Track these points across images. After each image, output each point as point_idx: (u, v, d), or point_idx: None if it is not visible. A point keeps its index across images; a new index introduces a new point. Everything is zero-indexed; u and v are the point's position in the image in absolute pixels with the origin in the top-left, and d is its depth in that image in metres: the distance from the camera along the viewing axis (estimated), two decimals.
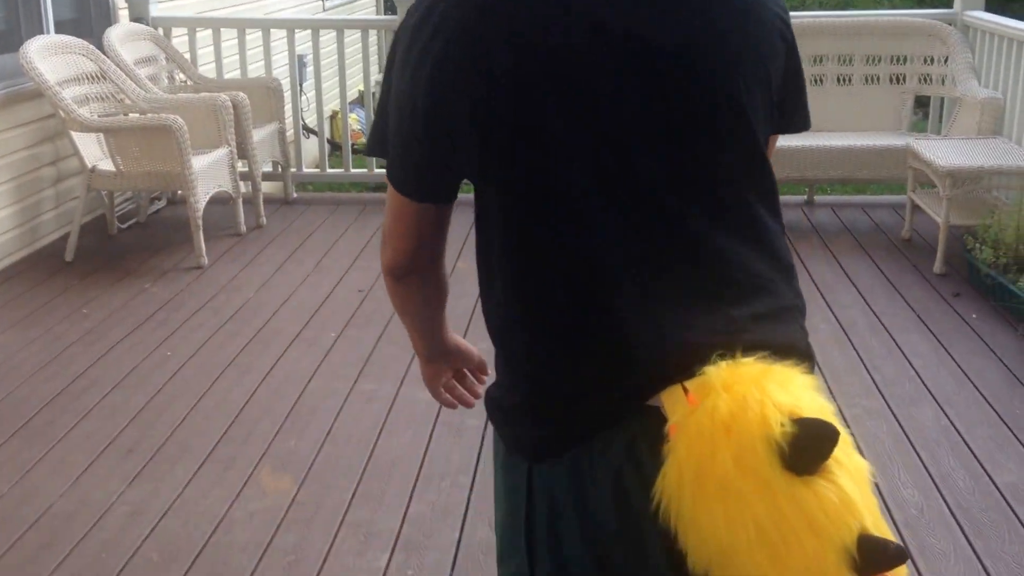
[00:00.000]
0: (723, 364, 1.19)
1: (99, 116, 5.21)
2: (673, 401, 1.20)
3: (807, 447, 1.13)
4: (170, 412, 3.59)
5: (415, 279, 1.55)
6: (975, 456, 3.19)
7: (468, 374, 1.79)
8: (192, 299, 4.67)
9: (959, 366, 3.82)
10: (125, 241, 5.55)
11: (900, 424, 3.40)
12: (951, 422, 3.41)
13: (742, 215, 1.33)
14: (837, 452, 1.15)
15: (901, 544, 1.16)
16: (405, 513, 2.95)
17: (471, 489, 3.07)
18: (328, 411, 3.58)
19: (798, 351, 1.30)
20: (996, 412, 3.47)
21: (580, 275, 1.27)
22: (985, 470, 3.11)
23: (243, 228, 5.62)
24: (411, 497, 3.03)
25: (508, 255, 1.33)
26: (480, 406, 1.54)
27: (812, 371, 1.32)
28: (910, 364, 3.86)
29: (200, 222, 5.07)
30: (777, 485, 1.13)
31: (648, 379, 1.22)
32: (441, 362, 1.74)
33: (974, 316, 4.30)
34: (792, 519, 1.12)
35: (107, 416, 3.57)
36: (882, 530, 1.16)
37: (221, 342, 4.19)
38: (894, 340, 4.08)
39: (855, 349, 3.99)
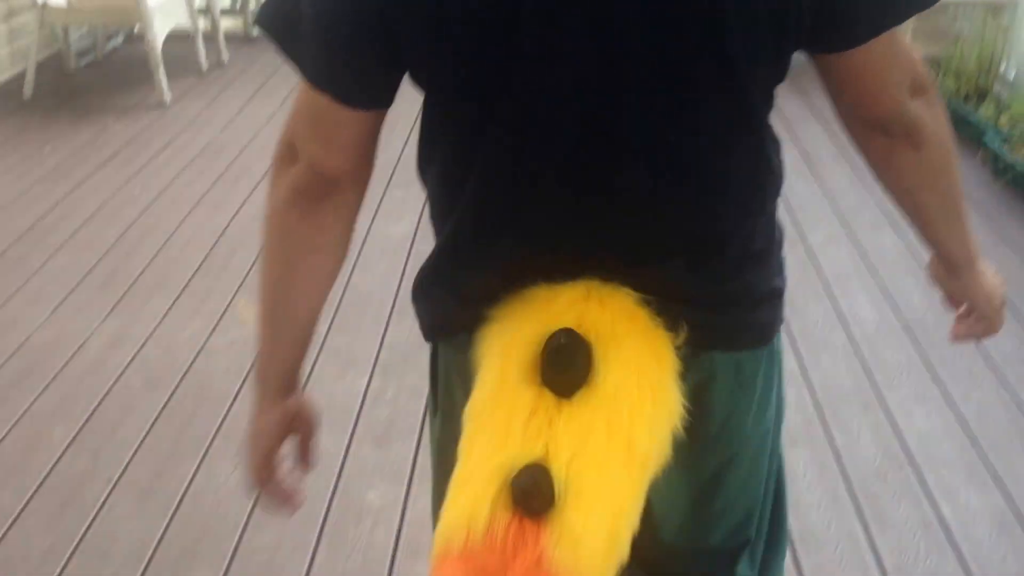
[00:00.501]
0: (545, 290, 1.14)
1: None
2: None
3: (553, 357, 1.10)
4: (143, 247, 3.61)
5: (331, 207, 1.22)
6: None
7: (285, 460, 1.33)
8: (156, 137, 4.63)
9: None
10: (83, 79, 5.45)
11: (861, 249, 3.50)
12: (908, 246, 3.51)
13: (703, 177, 1.14)
14: (610, 372, 1.10)
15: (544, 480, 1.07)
16: (382, 340, 3.03)
17: None
18: None
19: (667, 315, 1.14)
20: None
21: (492, 205, 1.14)
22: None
23: (204, 65, 5.53)
24: (387, 325, 3.10)
25: (431, 157, 1.19)
26: None
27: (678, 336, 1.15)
28: (872, 192, 3.94)
29: (160, 58, 4.98)
30: (516, 394, 1.11)
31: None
32: (287, 404, 1.32)
33: None
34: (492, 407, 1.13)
35: (80, 250, 3.59)
36: (605, 448, 1.09)
37: (189, 179, 4.18)
38: (857, 171, 4.14)
39: (819, 179, 4.06)
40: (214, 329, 3.10)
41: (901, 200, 1.31)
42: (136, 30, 5.86)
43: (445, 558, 1.07)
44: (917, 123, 1.17)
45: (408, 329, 3.00)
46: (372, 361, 2.92)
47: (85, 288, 3.34)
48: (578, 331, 1.10)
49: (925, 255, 3.40)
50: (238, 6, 6.22)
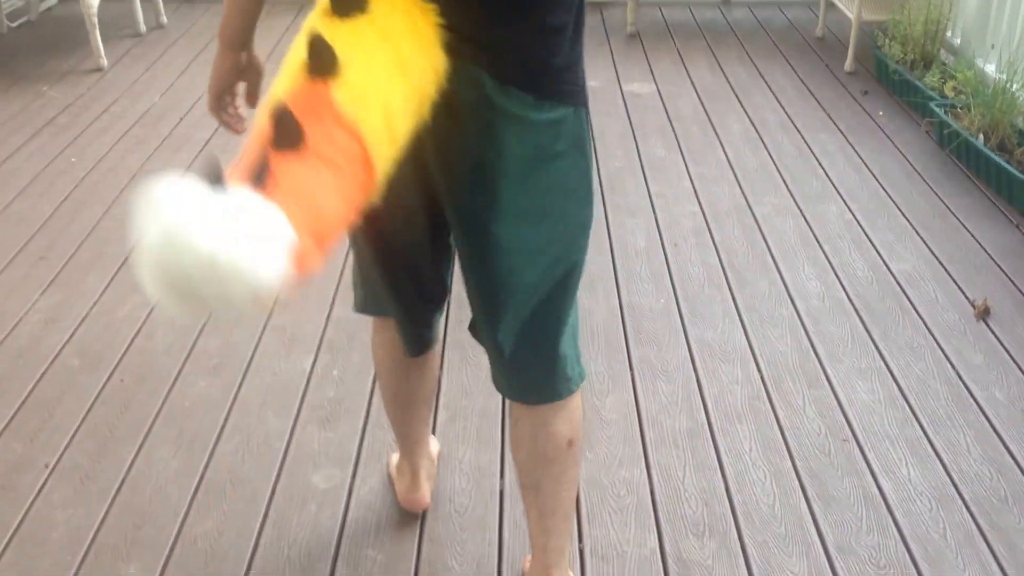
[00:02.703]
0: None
1: None
2: None
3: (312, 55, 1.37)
4: (80, 219, 3.53)
5: None
6: (875, 247, 3.32)
7: (238, 96, 1.68)
8: (94, 103, 4.52)
9: (864, 163, 3.92)
10: (16, 41, 5.30)
11: (806, 220, 3.50)
12: (854, 216, 3.52)
13: None
14: (377, 6, 1.39)
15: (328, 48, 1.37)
16: (328, 317, 2.99)
17: None
18: None
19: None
20: (896, 205, 3.59)
21: None
22: (883, 260, 3.24)
23: (142, 27, 5.39)
24: (332, 303, 3.06)
25: None
26: None
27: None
28: (818, 162, 3.94)
29: (95, 20, 4.84)
30: (319, 17, 1.41)
31: None
32: (239, 56, 1.63)
33: (881, 113, 4.38)
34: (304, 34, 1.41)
35: (14, 224, 3.50)
36: (375, 41, 1.38)
37: (128, 148, 4.08)
38: (804, 139, 4.15)
39: (766, 149, 4.06)
40: (154, 306, 3.03)
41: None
42: None
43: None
44: None
45: (352, 306, 2.98)
46: (318, 340, 2.89)
47: (20, 264, 3.26)
48: None
49: (868, 227, 3.44)
50: None
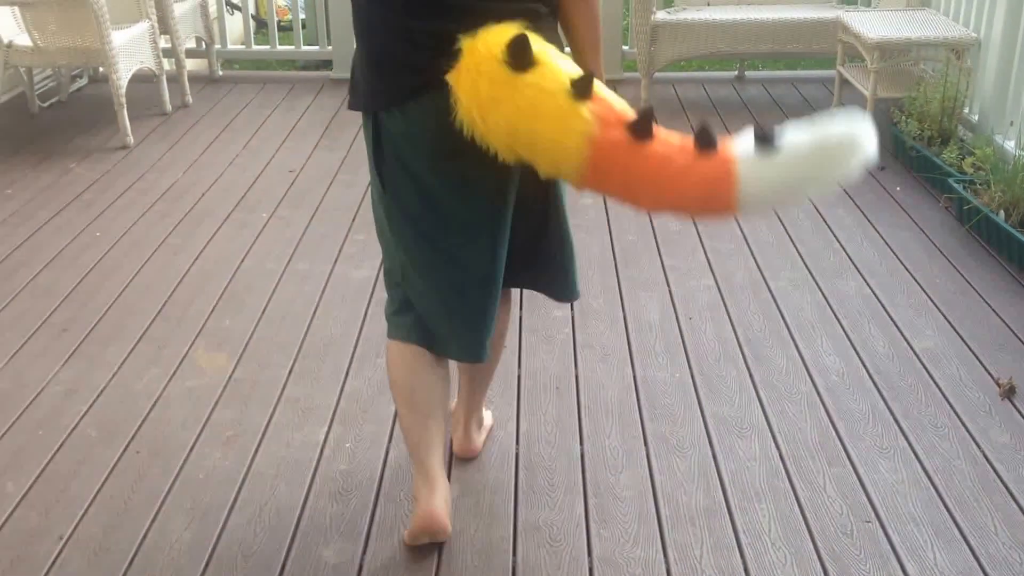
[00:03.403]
0: (467, 39, 1.91)
1: None
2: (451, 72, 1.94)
3: (514, 52, 1.87)
4: (102, 292, 3.56)
5: None
6: (895, 324, 3.30)
7: None
8: (119, 179, 4.59)
9: (882, 238, 3.92)
10: (47, 120, 5.41)
11: (824, 294, 3.49)
12: (873, 292, 3.51)
13: None
14: (538, 54, 1.89)
15: (587, 73, 1.93)
16: (342, 389, 2.99)
17: None
18: (262, 291, 3.57)
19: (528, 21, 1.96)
20: (916, 282, 3.57)
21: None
22: (904, 337, 3.22)
23: (168, 107, 5.50)
24: (347, 373, 3.06)
25: None
26: None
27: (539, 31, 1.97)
28: (835, 237, 3.94)
29: (124, 100, 4.94)
30: (514, 80, 1.88)
31: (441, 64, 1.94)
32: None
33: (898, 189, 4.39)
34: (530, 92, 1.88)
35: (38, 296, 3.53)
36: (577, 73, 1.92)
37: (151, 223, 4.14)
38: (820, 214, 4.15)
39: (782, 224, 4.06)
40: (172, 377, 3.05)
41: (571, 35, 2.17)
42: (101, 71, 5.83)
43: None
44: None
45: (368, 378, 3.00)
46: (331, 412, 2.88)
47: (43, 335, 3.29)
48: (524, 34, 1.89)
49: (888, 303, 3.42)
50: (203, 47, 6.19)
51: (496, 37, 1.89)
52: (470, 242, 2.18)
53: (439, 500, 2.30)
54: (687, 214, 2.25)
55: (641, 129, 1.87)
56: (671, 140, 1.90)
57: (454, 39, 1.92)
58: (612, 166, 1.90)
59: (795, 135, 1.82)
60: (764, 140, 1.82)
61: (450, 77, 1.92)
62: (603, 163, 1.90)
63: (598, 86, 1.93)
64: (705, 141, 1.86)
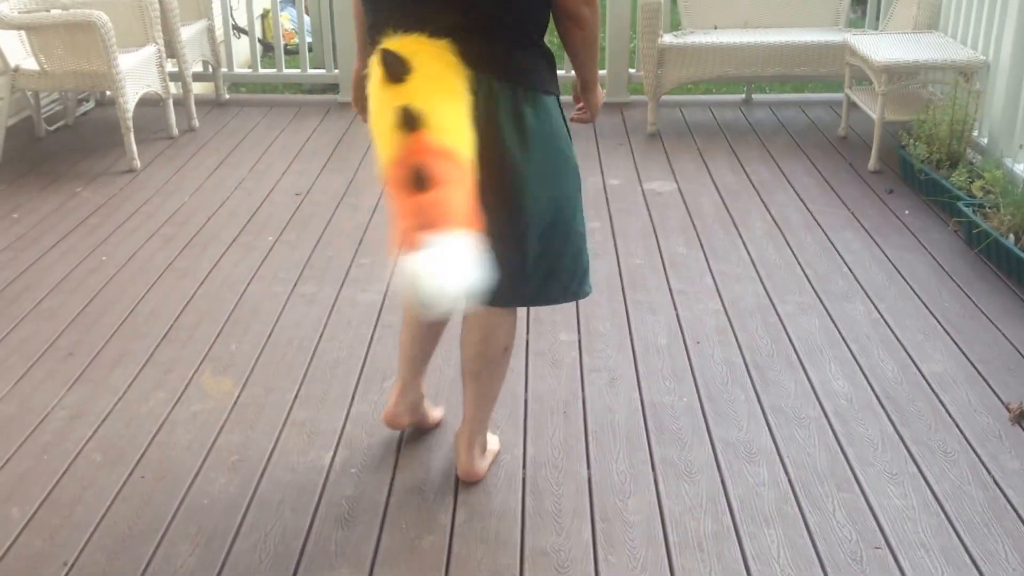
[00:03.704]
0: (389, 37, 2.16)
1: (20, 12, 5.03)
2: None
3: (387, 66, 2.10)
4: (108, 316, 3.55)
5: None
6: (904, 348, 3.28)
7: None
8: (126, 203, 4.60)
9: (891, 261, 3.91)
10: (54, 144, 5.42)
11: (832, 319, 3.47)
12: (881, 316, 3.49)
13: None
14: (418, 68, 2.10)
15: (413, 110, 2.03)
16: (348, 413, 2.97)
17: None
18: (268, 314, 3.57)
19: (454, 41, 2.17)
20: (925, 305, 3.56)
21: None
22: (913, 361, 3.20)
23: (175, 130, 5.51)
24: (353, 397, 3.05)
25: None
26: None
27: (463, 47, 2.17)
28: (843, 260, 3.93)
29: (130, 124, 4.95)
30: (378, 91, 2.12)
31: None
32: (361, 66, 2.44)
33: (907, 212, 4.38)
34: (381, 104, 2.11)
35: (44, 320, 3.53)
36: (429, 104, 2.06)
37: (157, 246, 4.14)
38: (828, 237, 4.14)
39: (790, 247, 4.05)
40: (177, 401, 3.04)
41: (568, 55, 2.39)
42: (108, 94, 5.85)
43: (389, 170, 2.05)
44: (584, 16, 2.27)
45: (374, 402, 2.99)
46: (337, 436, 2.87)
47: (48, 359, 3.28)
48: (397, 51, 2.10)
49: (897, 327, 3.40)
50: (209, 70, 6.21)
51: (390, 45, 2.15)
52: None
53: (395, 397, 2.79)
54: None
55: (415, 180, 1.99)
56: (431, 199, 1.99)
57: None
58: (392, 193, 2.07)
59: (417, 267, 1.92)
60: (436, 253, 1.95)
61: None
62: (388, 186, 2.08)
63: (444, 120, 2.07)
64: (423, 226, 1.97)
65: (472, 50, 2.16)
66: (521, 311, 3.19)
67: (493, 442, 2.78)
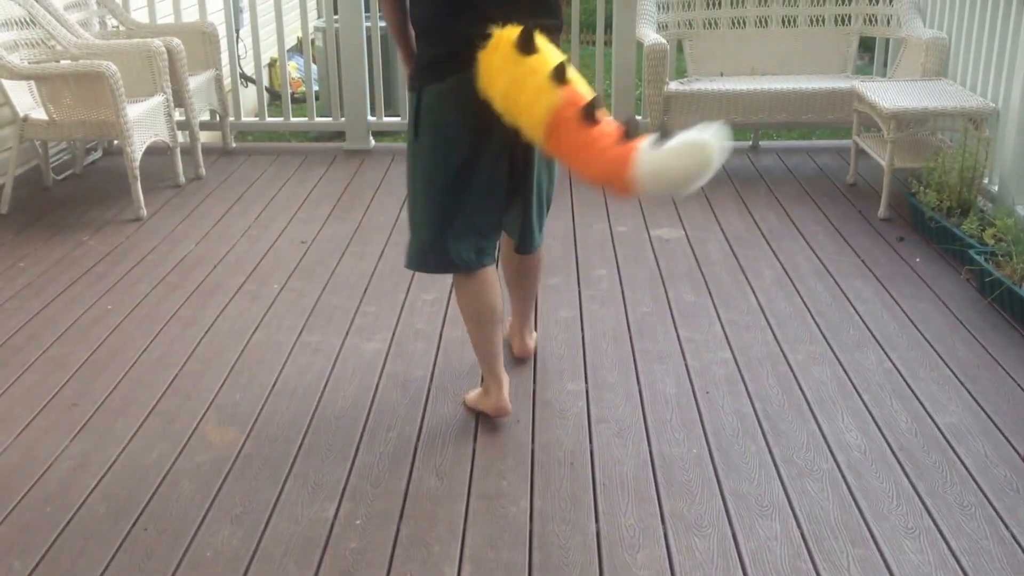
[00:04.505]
0: (498, 30, 2.64)
1: (29, 63, 5.06)
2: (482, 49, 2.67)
3: (522, 40, 2.58)
4: (112, 366, 3.53)
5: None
6: (917, 399, 3.23)
7: None
8: (132, 252, 4.59)
9: (903, 310, 3.87)
10: (61, 193, 5.43)
11: (844, 369, 3.43)
12: (894, 366, 3.45)
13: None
14: (540, 46, 2.59)
15: (564, 66, 2.58)
16: (352, 464, 2.93)
17: (418, 439, 3.05)
18: (273, 364, 3.54)
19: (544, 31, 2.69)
20: (939, 355, 3.51)
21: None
22: (927, 412, 3.15)
23: (182, 179, 5.52)
24: (358, 448, 3.01)
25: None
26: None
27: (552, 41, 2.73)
28: (854, 309, 3.89)
29: (138, 173, 4.96)
30: (517, 60, 2.59)
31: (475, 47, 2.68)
32: (405, 52, 3.04)
33: (918, 260, 4.35)
34: (524, 71, 2.58)
35: (49, 370, 3.50)
36: (568, 71, 2.60)
37: (162, 295, 4.12)
38: (838, 285, 4.11)
39: (799, 295, 4.02)
40: (181, 452, 3.00)
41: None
42: (115, 143, 5.87)
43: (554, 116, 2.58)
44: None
45: (379, 452, 2.95)
46: (341, 487, 2.82)
47: (53, 409, 3.25)
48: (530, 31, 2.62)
49: (910, 377, 3.34)
50: (217, 119, 6.24)
51: (514, 31, 2.61)
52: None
53: (506, 394, 3.12)
54: (601, 183, 2.64)
55: (587, 114, 2.53)
56: (606, 129, 2.54)
57: (487, 36, 2.66)
58: (561, 135, 2.57)
59: (678, 137, 2.42)
60: (660, 138, 2.44)
61: (480, 53, 2.65)
62: (555, 131, 2.57)
63: (575, 78, 2.61)
64: (629, 133, 2.50)
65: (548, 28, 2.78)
66: (528, 362, 3.54)
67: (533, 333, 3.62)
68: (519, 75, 2.58)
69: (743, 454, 2.95)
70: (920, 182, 4.68)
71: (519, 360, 3.50)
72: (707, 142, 2.41)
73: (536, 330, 3.69)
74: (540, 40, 2.60)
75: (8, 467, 2.94)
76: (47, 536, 2.63)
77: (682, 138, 2.42)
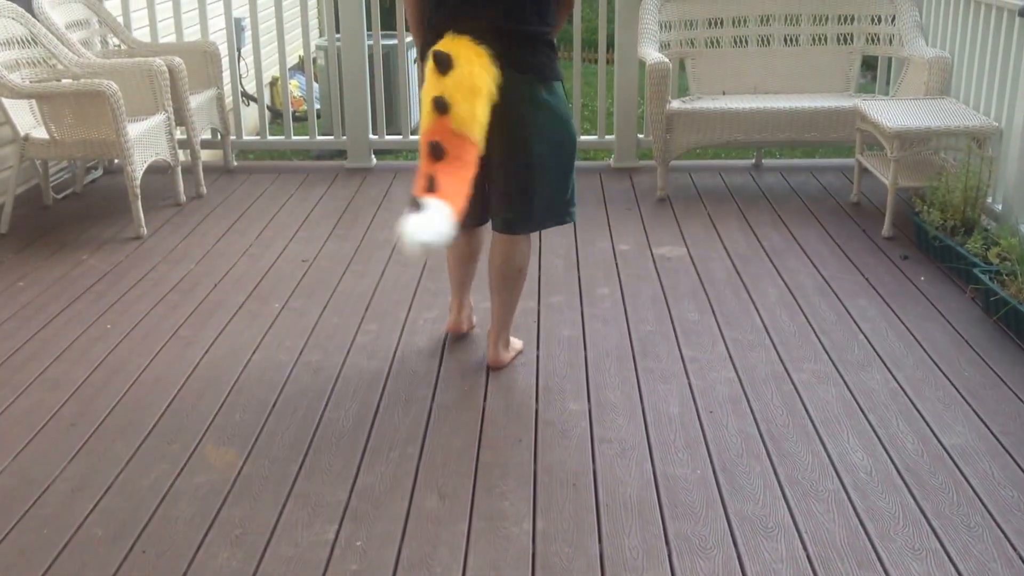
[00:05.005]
0: (447, 39, 3.02)
1: (31, 82, 5.05)
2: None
3: (436, 63, 2.92)
4: (111, 386, 3.50)
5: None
6: (923, 419, 3.20)
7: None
8: (132, 271, 4.57)
9: (908, 329, 3.84)
10: (61, 212, 5.42)
11: (849, 388, 3.41)
12: (899, 385, 3.42)
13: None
14: (461, 65, 2.93)
15: (444, 99, 2.92)
16: (353, 485, 2.90)
17: (419, 460, 3.02)
18: (273, 383, 3.51)
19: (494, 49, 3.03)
20: (944, 374, 3.49)
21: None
22: (933, 432, 3.12)
23: (183, 197, 5.51)
24: (359, 469, 2.98)
25: None
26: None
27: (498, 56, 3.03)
28: (859, 328, 3.87)
29: (138, 191, 4.95)
30: (429, 77, 2.97)
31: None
32: (425, 48, 3.22)
33: (922, 279, 4.32)
34: (427, 87, 2.96)
35: (48, 390, 3.48)
36: (458, 96, 2.94)
37: (162, 314, 4.10)
38: (843, 304, 4.09)
39: (804, 314, 3.99)
40: (180, 473, 2.97)
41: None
42: (116, 162, 5.86)
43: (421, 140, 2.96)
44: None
45: (380, 473, 2.92)
46: (342, 509, 2.79)
47: (50, 430, 3.23)
48: (445, 50, 2.95)
49: (916, 396, 3.32)
50: (218, 138, 6.23)
51: (453, 43, 2.98)
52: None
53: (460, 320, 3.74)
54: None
55: (432, 150, 2.88)
56: (440, 166, 2.88)
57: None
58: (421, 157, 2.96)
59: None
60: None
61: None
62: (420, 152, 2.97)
63: (460, 105, 2.91)
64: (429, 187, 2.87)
65: (505, 51, 3.02)
66: (530, 381, 3.49)
67: (517, 343, 3.66)
68: (427, 88, 2.98)
69: (748, 474, 2.92)
70: (924, 201, 4.67)
71: (522, 379, 3.48)
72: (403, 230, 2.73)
73: (538, 348, 3.69)
74: (465, 60, 2.93)
75: (5, 488, 2.91)
76: (45, 559, 2.60)
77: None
